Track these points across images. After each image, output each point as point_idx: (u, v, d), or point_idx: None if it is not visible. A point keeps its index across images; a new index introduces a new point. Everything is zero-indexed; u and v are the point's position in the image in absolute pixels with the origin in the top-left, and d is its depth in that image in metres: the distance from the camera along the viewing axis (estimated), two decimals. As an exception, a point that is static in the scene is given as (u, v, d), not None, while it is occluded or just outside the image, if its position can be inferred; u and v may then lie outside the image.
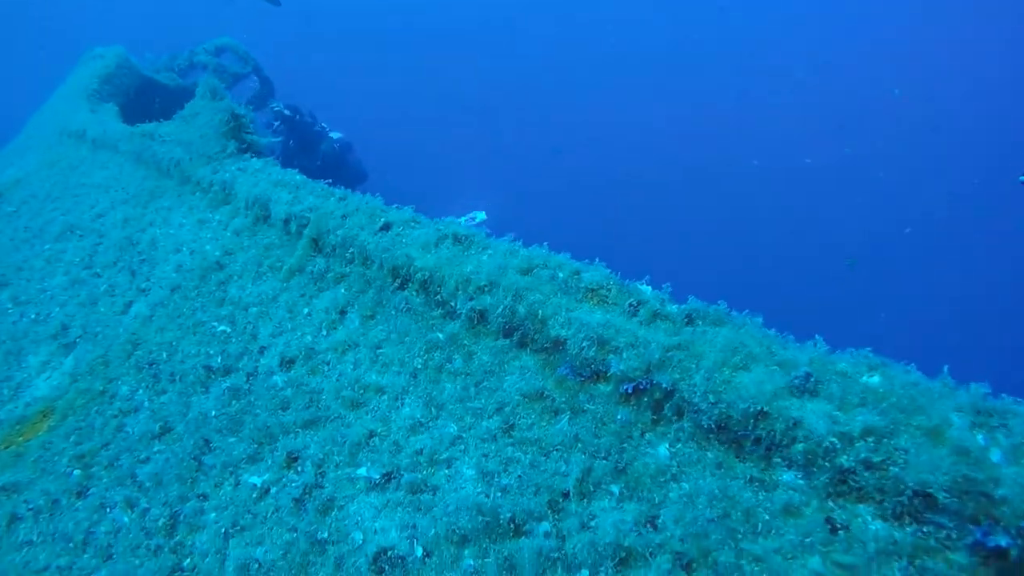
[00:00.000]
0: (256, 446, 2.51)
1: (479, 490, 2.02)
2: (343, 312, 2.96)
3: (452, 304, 2.61)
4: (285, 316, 3.14)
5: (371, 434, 2.33)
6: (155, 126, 6.34)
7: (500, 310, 2.38)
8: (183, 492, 2.47)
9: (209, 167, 4.87)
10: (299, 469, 2.35)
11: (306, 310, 3.09)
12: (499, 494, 1.97)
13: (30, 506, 2.75)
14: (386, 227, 3.14)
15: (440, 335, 2.56)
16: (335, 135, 15.08)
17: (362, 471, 2.21)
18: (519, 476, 1.99)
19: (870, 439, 1.57)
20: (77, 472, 2.82)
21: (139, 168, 6.00)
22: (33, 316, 4.39)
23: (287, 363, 2.85)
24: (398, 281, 2.87)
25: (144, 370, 3.29)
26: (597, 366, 2.12)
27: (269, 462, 2.43)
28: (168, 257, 4.29)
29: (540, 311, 2.29)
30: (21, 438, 3.25)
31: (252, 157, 5.06)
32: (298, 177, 4.20)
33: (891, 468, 1.53)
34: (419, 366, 2.51)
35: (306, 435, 2.47)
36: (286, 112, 15.11)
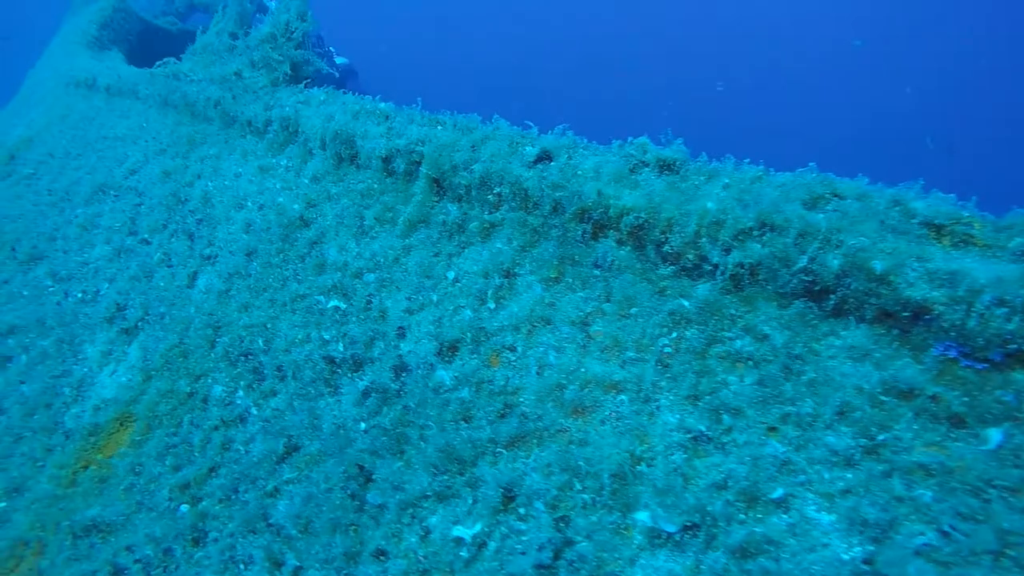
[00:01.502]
0: (443, 477, 1.72)
1: (859, 554, 1.23)
2: (510, 275, 2.11)
3: (692, 256, 1.76)
4: (420, 283, 2.30)
5: (633, 458, 1.53)
6: (174, 65, 5.32)
7: (803, 265, 1.54)
8: (349, 547, 1.71)
9: (259, 103, 3.92)
10: (524, 513, 1.57)
11: (451, 274, 2.25)
12: (928, 567, 1.19)
13: (136, 557, 2.01)
14: (545, 156, 2.25)
15: (685, 302, 1.73)
16: (340, 60, 13.98)
17: (642, 517, 1.43)
18: (947, 534, 1.20)
19: None
20: (185, 507, 2.06)
21: (167, 113, 5.03)
22: (79, 295, 3.57)
23: (448, 350, 2.03)
24: (588, 228, 2.01)
25: (239, 364, 2.49)
26: (1016, 343, 1.29)
27: (470, 501, 1.65)
28: (230, 215, 3.42)
29: (875, 263, 1.45)
30: (100, 455, 2.49)
31: (306, 87, 4.11)
32: (382, 105, 3.27)
33: None
34: (667, 349, 1.69)
35: (516, 458, 1.68)
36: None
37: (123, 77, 6.09)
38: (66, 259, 3.98)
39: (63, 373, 3.10)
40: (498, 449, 1.71)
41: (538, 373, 1.81)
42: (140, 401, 2.60)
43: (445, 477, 1.71)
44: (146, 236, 3.70)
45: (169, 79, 5.17)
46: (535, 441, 1.69)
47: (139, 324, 3.09)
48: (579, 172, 2.12)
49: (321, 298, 2.52)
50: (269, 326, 2.56)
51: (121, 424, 2.59)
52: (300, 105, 3.61)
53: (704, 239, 1.73)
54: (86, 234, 4.09)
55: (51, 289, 3.78)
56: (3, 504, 2.48)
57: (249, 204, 3.38)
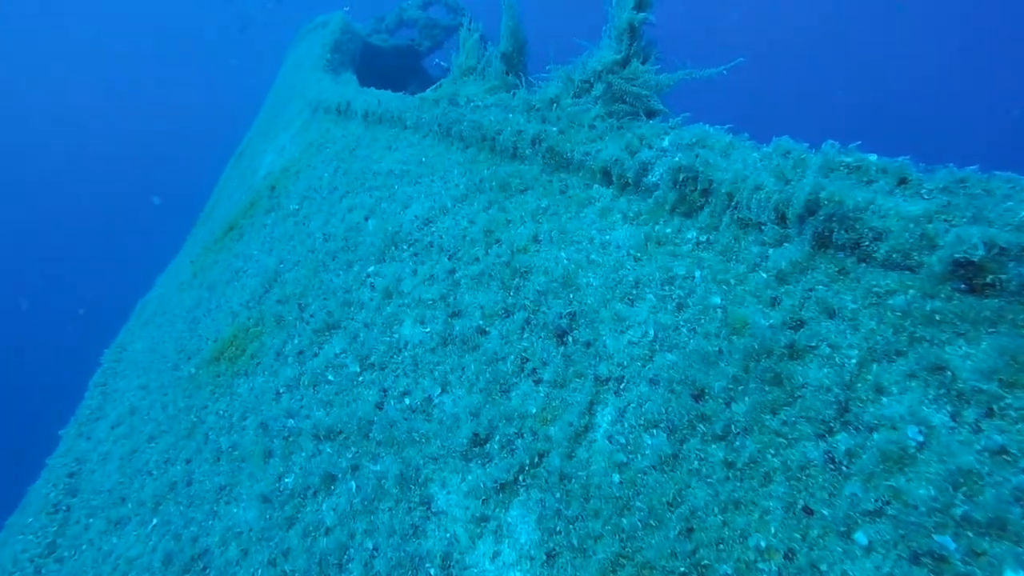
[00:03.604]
0: None
1: None
2: None
3: None
4: None
5: None
6: (449, 88, 4.48)
7: None
8: None
9: (614, 143, 2.86)
10: None
11: None
12: None
13: None
14: None
15: None
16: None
17: None
18: None
19: None
20: None
21: (451, 147, 4.19)
22: (405, 400, 2.73)
23: None
24: None
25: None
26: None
27: None
28: (617, 310, 2.37)
29: None
30: None
31: (646, 121, 3.00)
32: (873, 157, 2.04)
33: None
34: None
35: None
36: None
37: (384, 102, 5.42)
38: (369, 336, 3.19)
39: (414, 531, 2.21)
40: None
41: None
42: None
43: None
44: (479, 322, 2.77)
45: (446, 105, 4.34)
46: None
47: (520, 479, 2.12)
48: None
49: (928, 522, 1.32)
50: (814, 557, 1.42)
51: None
52: (700, 149, 2.47)
53: None
54: (388, 304, 3.30)
55: (361, 379, 2.99)
56: None
57: (650, 297, 2.30)
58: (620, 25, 2.77)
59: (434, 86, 4.69)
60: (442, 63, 13.25)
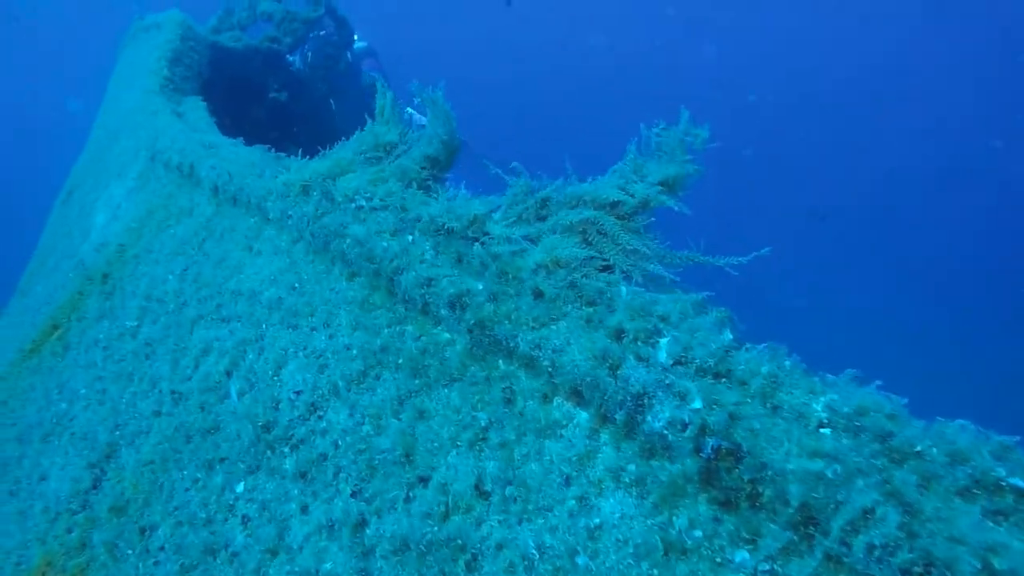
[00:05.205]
0: None
1: None
2: None
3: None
4: None
5: None
6: (320, 166, 3.23)
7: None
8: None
9: (580, 335, 1.87)
10: None
11: None
12: None
13: None
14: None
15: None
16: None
17: None
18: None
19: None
20: None
21: (331, 269, 3.02)
22: None
23: None
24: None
25: None
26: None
27: None
28: None
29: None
30: None
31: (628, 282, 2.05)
32: (1018, 483, 1.23)
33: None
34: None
35: None
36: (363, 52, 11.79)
37: (236, 179, 4.05)
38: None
39: None
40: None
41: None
42: None
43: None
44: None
45: (319, 200, 3.14)
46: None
47: None
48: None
49: None
50: None
51: None
52: (724, 387, 1.55)
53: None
54: (271, 565, 2.17)
55: None
56: None
57: None
58: (637, 196, 1.76)
59: (299, 166, 3.44)
60: (296, 58, 11.41)
